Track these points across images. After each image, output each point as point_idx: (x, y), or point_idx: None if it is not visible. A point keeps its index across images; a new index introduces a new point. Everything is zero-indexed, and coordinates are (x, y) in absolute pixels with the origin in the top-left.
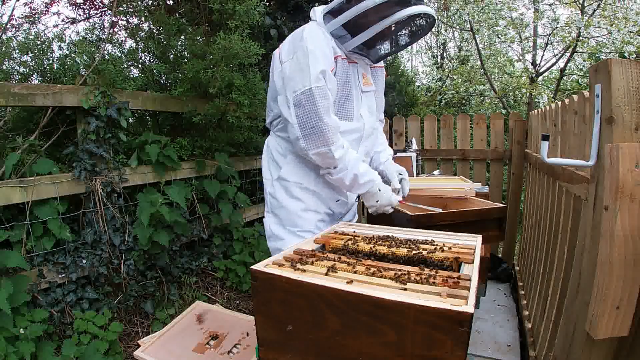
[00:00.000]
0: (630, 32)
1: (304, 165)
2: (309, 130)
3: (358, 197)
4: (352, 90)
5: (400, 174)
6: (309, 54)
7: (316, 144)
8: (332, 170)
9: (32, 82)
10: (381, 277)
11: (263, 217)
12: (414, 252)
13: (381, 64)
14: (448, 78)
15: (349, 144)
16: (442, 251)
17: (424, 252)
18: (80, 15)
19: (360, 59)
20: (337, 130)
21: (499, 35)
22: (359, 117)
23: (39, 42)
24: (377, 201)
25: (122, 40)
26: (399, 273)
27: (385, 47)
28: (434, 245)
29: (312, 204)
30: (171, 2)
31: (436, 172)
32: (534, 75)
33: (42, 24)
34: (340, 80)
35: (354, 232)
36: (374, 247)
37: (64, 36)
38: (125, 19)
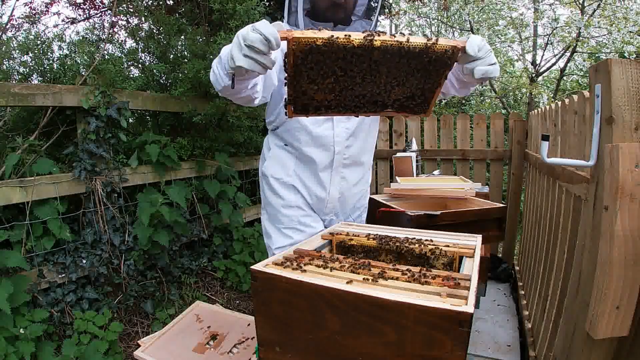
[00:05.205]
0: (630, 32)
1: (283, 157)
2: None
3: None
4: None
5: None
6: None
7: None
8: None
9: (32, 82)
10: (381, 277)
11: None
12: (413, 247)
13: None
14: None
15: None
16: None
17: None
18: (80, 15)
19: None
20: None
21: (499, 35)
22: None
23: (39, 42)
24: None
25: (122, 40)
26: (400, 275)
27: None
28: (434, 245)
29: (292, 199)
30: (171, 2)
31: (436, 172)
32: (534, 75)
33: (42, 24)
34: None
35: (352, 232)
36: (371, 243)
37: (64, 36)
38: (125, 19)
